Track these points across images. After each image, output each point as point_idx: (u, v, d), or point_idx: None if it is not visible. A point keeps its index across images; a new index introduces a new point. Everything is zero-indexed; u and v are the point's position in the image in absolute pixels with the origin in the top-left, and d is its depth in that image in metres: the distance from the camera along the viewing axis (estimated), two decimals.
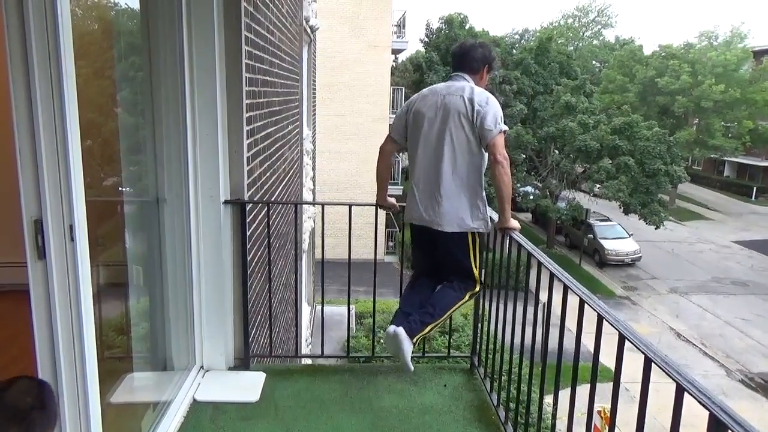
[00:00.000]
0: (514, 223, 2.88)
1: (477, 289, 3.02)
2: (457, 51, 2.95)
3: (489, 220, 2.90)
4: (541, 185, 24.98)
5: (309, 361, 4.69)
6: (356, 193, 19.97)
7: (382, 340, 4.27)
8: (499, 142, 2.71)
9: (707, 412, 1.30)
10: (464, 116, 2.73)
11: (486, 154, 2.81)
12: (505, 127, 2.77)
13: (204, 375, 3.18)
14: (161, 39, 2.73)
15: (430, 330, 2.88)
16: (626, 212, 23.19)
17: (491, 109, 2.73)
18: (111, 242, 2.60)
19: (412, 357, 2.84)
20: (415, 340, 2.83)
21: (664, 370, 1.49)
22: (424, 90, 2.95)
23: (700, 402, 1.34)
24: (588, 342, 1.75)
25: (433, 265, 3.08)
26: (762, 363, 15.68)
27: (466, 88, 2.80)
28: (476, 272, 2.97)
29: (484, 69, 2.94)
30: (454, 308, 2.94)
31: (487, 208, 2.90)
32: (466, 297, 2.98)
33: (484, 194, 2.87)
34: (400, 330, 2.80)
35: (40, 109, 1.67)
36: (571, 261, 22.98)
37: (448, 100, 2.78)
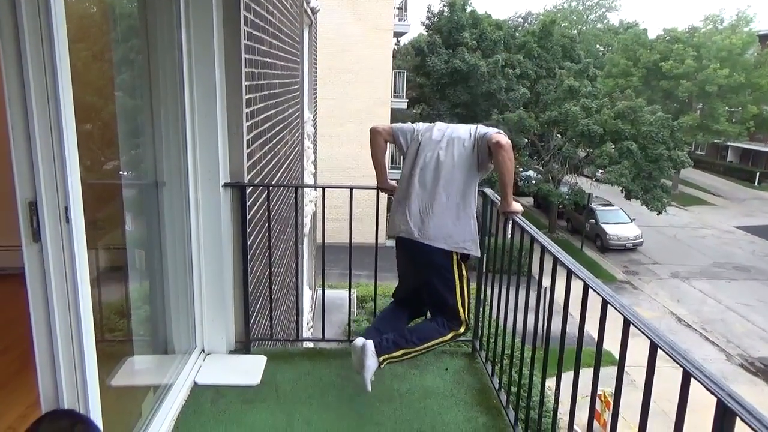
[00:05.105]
0: (517, 207, 2.84)
1: (462, 330, 2.82)
2: None
3: (478, 244, 2.82)
4: (543, 170, 24.88)
5: (310, 345, 4.70)
6: (357, 177, 19.90)
7: None
8: (499, 135, 2.73)
9: (714, 398, 1.28)
10: (467, 139, 2.82)
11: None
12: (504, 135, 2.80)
13: (205, 358, 3.18)
14: (159, 21, 2.68)
15: (401, 357, 2.73)
16: (628, 197, 23.12)
17: (491, 129, 2.83)
18: (110, 226, 2.58)
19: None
20: (381, 359, 2.68)
21: (670, 356, 1.46)
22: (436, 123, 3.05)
23: (707, 388, 1.31)
24: (590, 327, 1.73)
25: (413, 292, 2.97)
26: (762, 348, 15.73)
27: (472, 125, 2.96)
28: (462, 313, 2.79)
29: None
30: (432, 342, 2.76)
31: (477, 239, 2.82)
32: (449, 335, 2.79)
33: (475, 221, 2.80)
34: (369, 343, 2.67)
35: (33, 88, 1.63)
36: (573, 246, 22.97)
37: (454, 128, 2.93)
